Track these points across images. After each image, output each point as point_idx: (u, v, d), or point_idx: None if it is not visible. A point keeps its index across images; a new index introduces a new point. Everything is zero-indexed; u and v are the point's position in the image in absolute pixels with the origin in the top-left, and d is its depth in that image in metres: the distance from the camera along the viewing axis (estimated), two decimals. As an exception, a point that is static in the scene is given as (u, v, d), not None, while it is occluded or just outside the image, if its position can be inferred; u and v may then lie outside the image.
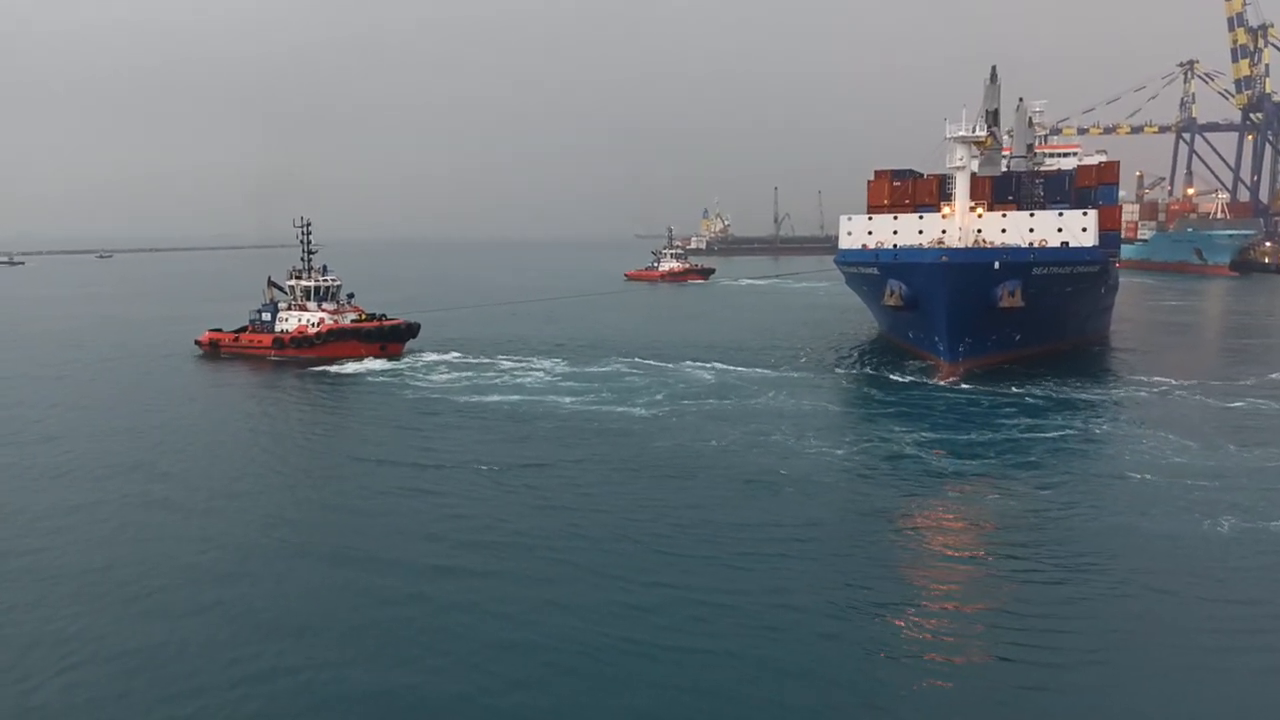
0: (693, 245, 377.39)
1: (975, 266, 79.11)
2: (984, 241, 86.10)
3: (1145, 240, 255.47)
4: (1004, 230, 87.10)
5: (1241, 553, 38.60)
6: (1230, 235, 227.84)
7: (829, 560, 38.23)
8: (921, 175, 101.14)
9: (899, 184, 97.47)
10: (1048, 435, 59.05)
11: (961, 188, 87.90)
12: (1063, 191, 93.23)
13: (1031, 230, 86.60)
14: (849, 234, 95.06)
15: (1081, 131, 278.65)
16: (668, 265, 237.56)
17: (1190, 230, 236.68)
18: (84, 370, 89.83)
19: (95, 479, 51.54)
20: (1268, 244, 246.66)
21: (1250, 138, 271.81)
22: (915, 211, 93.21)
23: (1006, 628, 32.32)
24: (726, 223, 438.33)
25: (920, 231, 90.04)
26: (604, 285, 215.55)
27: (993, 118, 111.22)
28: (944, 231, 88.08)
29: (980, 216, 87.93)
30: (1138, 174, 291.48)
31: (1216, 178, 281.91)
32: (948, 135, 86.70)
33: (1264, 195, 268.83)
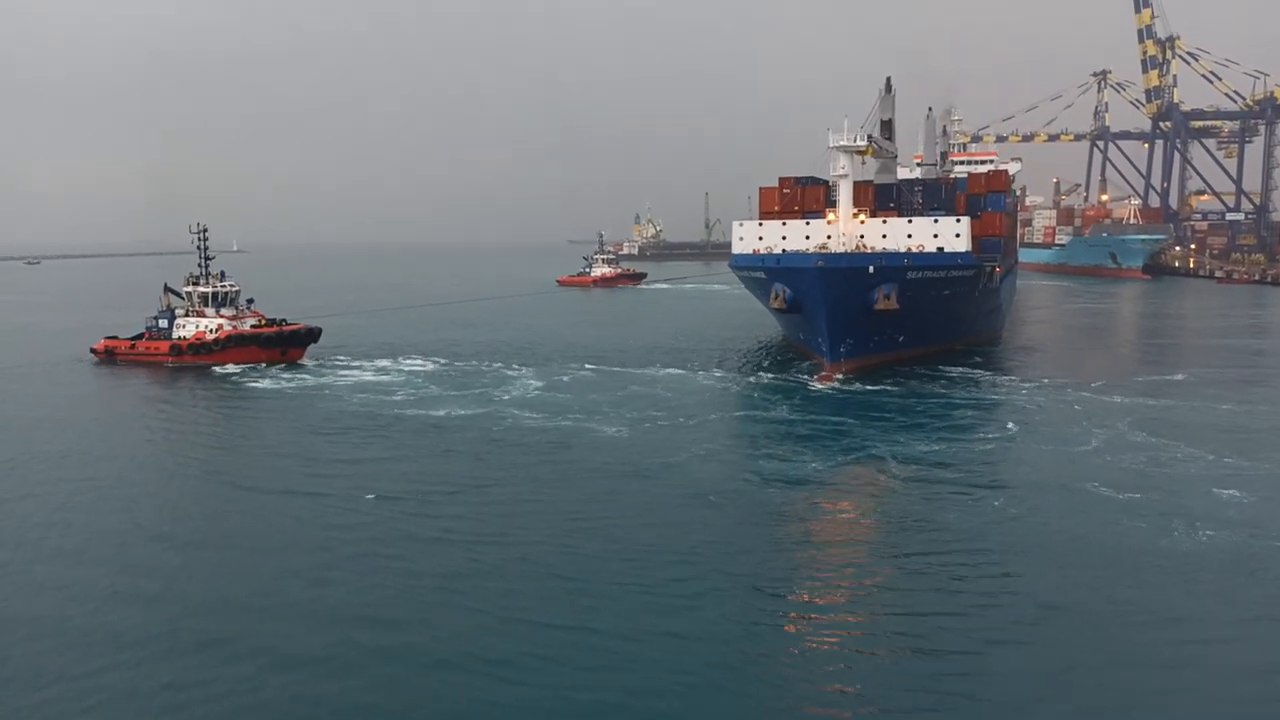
0: (625, 250, 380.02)
1: (851, 271, 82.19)
2: (865, 247, 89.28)
3: (1062, 245, 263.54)
4: (884, 236, 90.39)
5: (1140, 546, 40.01)
6: (1143, 240, 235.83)
7: (733, 568, 38.01)
8: (827, 182, 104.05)
9: (789, 191, 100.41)
10: (923, 432, 61.55)
11: (844, 195, 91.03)
12: (940, 199, 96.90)
13: (910, 236, 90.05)
14: (740, 239, 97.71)
15: (1000, 139, 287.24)
16: (599, 270, 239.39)
17: (1105, 235, 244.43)
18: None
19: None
20: (1177, 248, 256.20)
21: (1160, 145, 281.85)
22: (803, 218, 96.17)
23: (908, 622, 33.33)
24: (659, 228, 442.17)
25: (807, 237, 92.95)
26: (535, 291, 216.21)
27: (886, 127, 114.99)
28: (829, 237, 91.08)
29: (863, 223, 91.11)
30: (1054, 180, 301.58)
31: (1129, 184, 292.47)
32: (830, 144, 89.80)
33: (1174, 201, 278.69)
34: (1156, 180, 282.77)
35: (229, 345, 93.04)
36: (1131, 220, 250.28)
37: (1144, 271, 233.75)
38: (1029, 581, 36.66)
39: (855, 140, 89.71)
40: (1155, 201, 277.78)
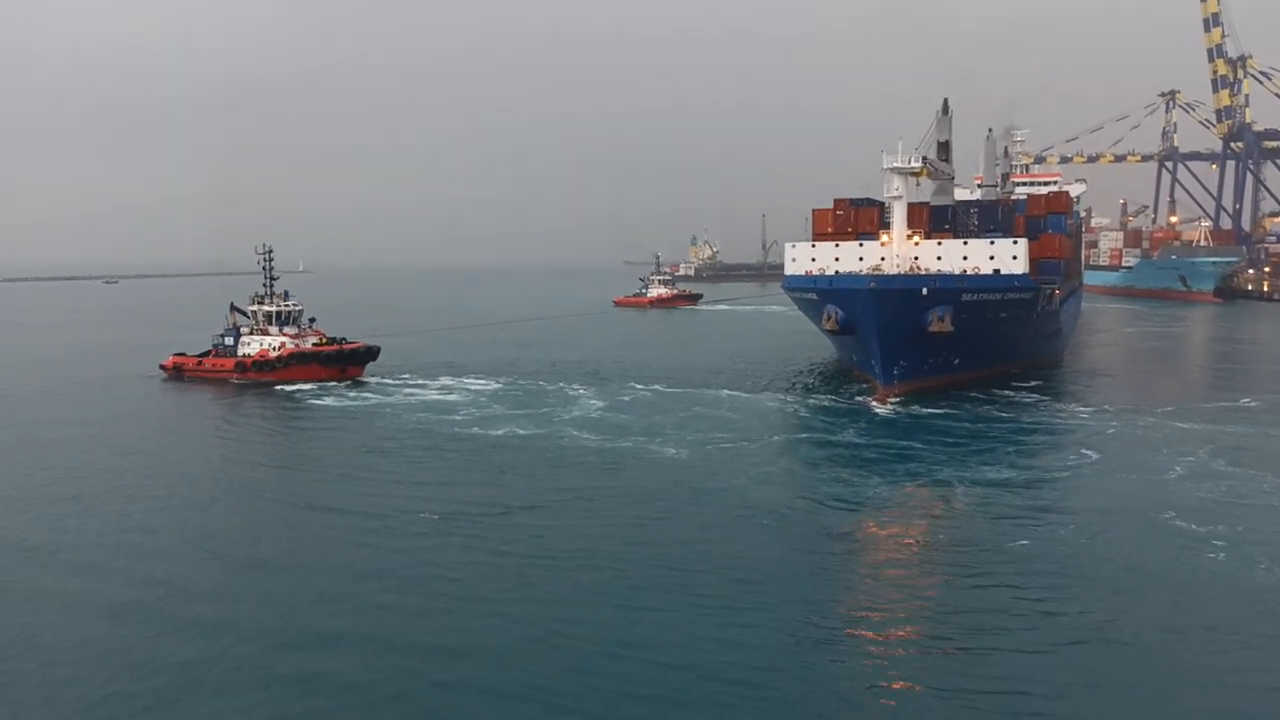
0: (681, 272, 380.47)
1: (904, 292, 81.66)
2: (919, 268, 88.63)
3: (1130, 267, 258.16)
4: (939, 258, 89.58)
5: (1198, 577, 38.98)
6: (1214, 262, 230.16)
7: (788, 593, 37.81)
8: (881, 203, 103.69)
9: (842, 213, 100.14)
10: (989, 457, 60.73)
11: (898, 216, 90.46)
12: (997, 220, 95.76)
13: (965, 258, 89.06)
14: (793, 260, 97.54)
15: (1065, 160, 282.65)
16: (656, 291, 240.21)
17: (1174, 258, 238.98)
18: (49, 395, 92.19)
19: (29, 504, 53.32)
20: (1250, 271, 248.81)
21: (1231, 166, 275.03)
22: (857, 239, 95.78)
23: (959, 641, 33.23)
24: (715, 249, 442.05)
25: (860, 259, 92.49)
26: (592, 311, 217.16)
27: (943, 149, 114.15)
28: (882, 259, 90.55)
29: (917, 244, 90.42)
30: (1121, 202, 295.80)
31: (1199, 206, 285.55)
32: (884, 166, 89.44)
33: (1246, 223, 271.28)
34: (1228, 201, 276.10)
35: (291, 363, 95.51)
36: (1202, 242, 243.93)
37: (1215, 295, 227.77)
38: (1106, 616, 35.18)
39: (909, 162, 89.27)
40: (1227, 223, 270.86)
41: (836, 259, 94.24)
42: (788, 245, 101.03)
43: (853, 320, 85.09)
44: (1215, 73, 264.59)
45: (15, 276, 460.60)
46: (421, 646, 33.22)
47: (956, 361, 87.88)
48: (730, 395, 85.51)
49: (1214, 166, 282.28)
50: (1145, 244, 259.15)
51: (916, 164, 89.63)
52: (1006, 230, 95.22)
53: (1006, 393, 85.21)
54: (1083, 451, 61.82)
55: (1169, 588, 37.94)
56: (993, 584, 38.51)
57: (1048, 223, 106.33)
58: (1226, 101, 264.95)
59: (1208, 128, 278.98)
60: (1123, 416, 73.37)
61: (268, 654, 32.84)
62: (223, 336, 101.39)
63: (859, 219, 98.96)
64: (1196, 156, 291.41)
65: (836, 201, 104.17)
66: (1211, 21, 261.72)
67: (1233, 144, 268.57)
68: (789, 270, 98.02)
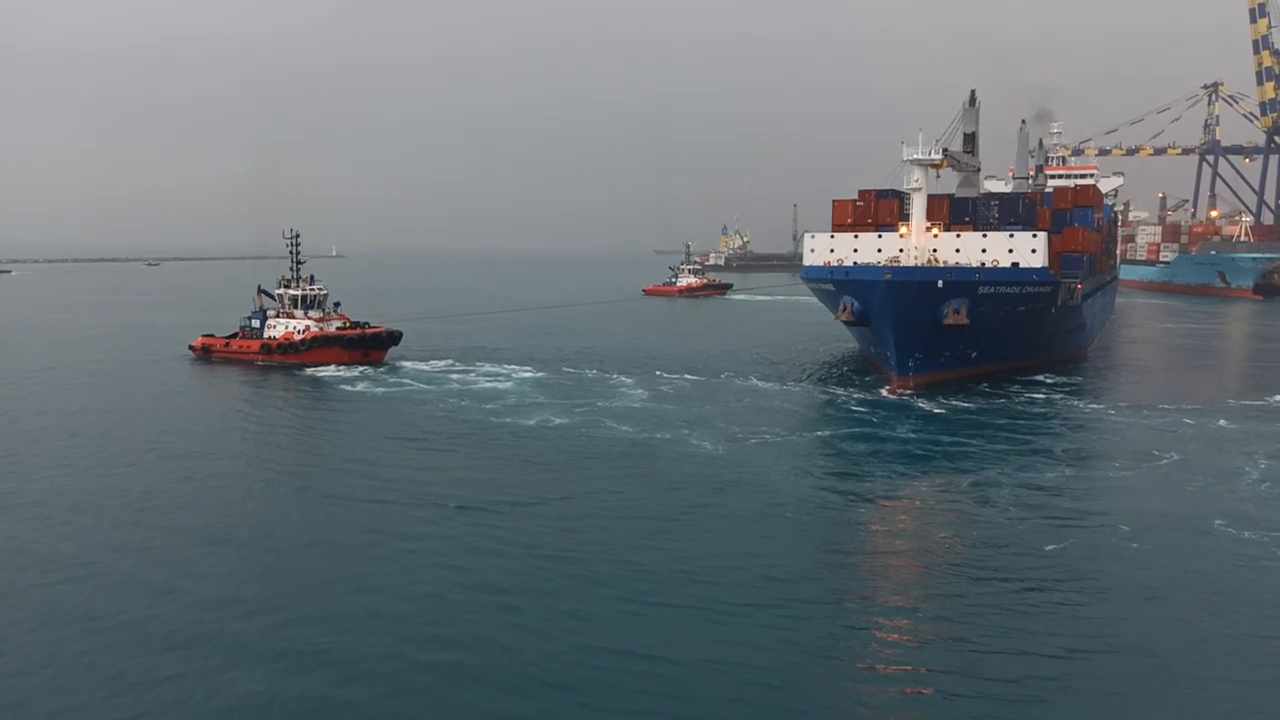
0: (711, 261, 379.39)
1: (919, 284, 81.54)
2: (937, 261, 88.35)
3: (1167, 263, 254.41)
4: (958, 250, 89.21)
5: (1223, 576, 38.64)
6: (1254, 258, 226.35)
7: (810, 593, 36.95)
8: (903, 195, 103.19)
9: (861, 204, 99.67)
10: (987, 449, 60.78)
11: (917, 208, 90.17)
12: (1018, 213, 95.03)
13: (984, 251, 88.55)
14: (812, 251, 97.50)
15: (1103, 153, 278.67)
16: (685, 280, 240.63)
17: (1213, 253, 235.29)
18: (82, 374, 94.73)
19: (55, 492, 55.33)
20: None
21: (1275, 160, 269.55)
22: (877, 231, 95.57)
23: (975, 640, 32.75)
24: (746, 239, 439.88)
25: (879, 250, 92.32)
26: (621, 299, 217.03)
27: (970, 140, 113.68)
28: (900, 250, 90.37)
29: (936, 236, 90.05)
30: (1160, 195, 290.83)
31: (1240, 200, 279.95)
32: (904, 158, 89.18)
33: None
34: (1270, 196, 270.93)
35: (314, 346, 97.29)
36: (1243, 238, 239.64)
37: (1255, 292, 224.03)
38: (1143, 626, 34.32)
39: (930, 154, 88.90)
40: (1269, 219, 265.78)
41: (855, 250, 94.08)
42: (806, 236, 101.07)
43: (868, 311, 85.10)
44: (1260, 65, 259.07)
45: (57, 258, 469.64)
46: (432, 655, 31.95)
47: (974, 355, 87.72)
48: (762, 386, 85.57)
49: (1249, 160, 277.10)
50: (1184, 239, 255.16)
51: (937, 156, 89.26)
52: (1029, 223, 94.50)
53: (1029, 388, 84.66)
54: (1118, 448, 61.06)
55: (1215, 595, 36.89)
56: (1028, 589, 37.24)
57: (1073, 216, 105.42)
58: (1271, 94, 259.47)
59: (1251, 121, 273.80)
60: (1158, 414, 72.25)
61: (269, 655, 31.85)
62: (250, 319, 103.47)
63: (879, 210, 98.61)
64: (1239, 150, 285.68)
65: (861, 193, 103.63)
66: (1258, 12, 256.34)
67: (1276, 138, 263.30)
68: (807, 261, 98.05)
